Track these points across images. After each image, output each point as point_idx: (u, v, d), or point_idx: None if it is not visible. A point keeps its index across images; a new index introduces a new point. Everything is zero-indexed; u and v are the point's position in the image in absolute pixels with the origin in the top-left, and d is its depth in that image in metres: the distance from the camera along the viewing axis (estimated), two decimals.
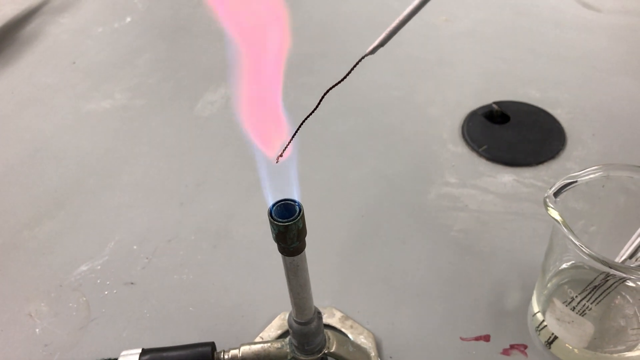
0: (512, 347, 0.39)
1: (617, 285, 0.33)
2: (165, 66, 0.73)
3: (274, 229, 0.25)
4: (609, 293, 0.33)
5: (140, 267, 0.47)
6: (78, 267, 0.47)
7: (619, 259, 0.35)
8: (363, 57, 0.23)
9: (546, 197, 0.33)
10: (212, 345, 0.37)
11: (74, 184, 0.56)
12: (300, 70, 0.68)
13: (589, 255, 0.30)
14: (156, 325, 0.42)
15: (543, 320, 0.38)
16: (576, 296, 0.34)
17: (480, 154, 0.55)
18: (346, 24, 0.79)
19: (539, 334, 0.39)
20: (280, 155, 0.24)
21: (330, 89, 0.23)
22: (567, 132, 0.56)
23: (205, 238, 0.49)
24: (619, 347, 0.35)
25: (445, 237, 0.47)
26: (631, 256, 0.35)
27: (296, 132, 0.24)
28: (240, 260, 0.47)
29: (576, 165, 0.53)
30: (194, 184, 0.55)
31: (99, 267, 0.47)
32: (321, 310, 0.37)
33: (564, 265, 0.39)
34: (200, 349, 0.36)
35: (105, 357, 0.40)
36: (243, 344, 0.36)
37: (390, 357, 0.39)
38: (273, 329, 0.41)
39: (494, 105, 0.60)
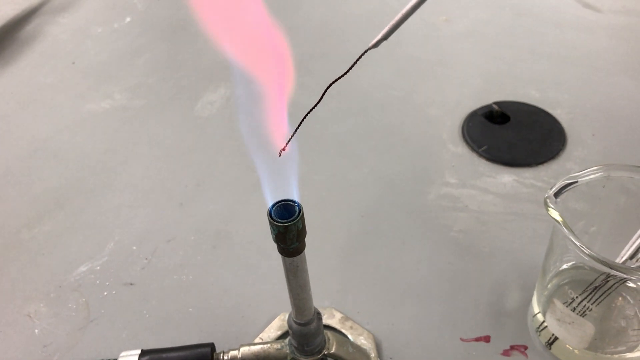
0: (512, 347, 0.39)
1: (617, 286, 0.33)
2: (164, 66, 0.73)
3: (274, 230, 0.25)
4: (609, 294, 0.33)
5: (140, 268, 0.47)
6: (77, 267, 0.47)
7: (620, 260, 0.35)
8: (366, 51, 0.23)
9: (546, 197, 0.33)
10: (211, 346, 0.37)
11: (73, 184, 0.56)
12: (300, 70, 0.67)
13: (589, 255, 0.30)
14: (155, 326, 0.42)
15: (543, 321, 0.38)
16: (577, 297, 0.34)
17: (480, 154, 0.55)
18: (346, 24, 0.79)
19: (540, 335, 0.39)
20: (283, 149, 0.24)
21: (334, 82, 0.23)
22: (567, 132, 0.56)
23: (205, 238, 0.49)
24: (620, 348, 0.35)
25: (445, 238, 0.47)
26: (632, 257, 0.34)
27: (299, 126, 0.24)
28: (239, 260, 0.47)
29: (576, 165, 0.53)
30: (194, 184, 0.55)
31: (98, 267, 0.47)
32: (321, 311, 0.37)
33: (565, 266, 0.39)
34: (199, 350, 0.36)
35: (105, 358, 0.40)
36: (242, 345, 0.35)
37: (390, 358, 0.39)
38: (273, 330, 0.40)
39: (494, 106, 0.60)
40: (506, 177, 0.52)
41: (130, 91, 0.68)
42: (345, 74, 0.23)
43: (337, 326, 0.40)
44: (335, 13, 0.82)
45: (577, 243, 0.30)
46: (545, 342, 0.38)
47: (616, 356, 0.35)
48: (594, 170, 0.35)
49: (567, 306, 0.35)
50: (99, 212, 0.53)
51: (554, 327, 0.37)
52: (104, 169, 0.57)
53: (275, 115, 0.24)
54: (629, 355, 0.35)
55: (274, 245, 0.26)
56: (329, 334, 0.35)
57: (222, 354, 0.36)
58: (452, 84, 0.65)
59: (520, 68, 0.66)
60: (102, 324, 0.43)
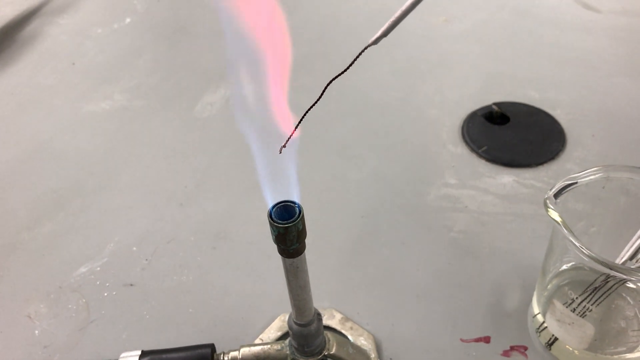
0: (512, 348, 0.39)
1: (617, 287, 0.33)
2: (164, 67, 0.73)
3: (274, 231, 0.25)
4: (609, 294, 0.33)
5: (140, 269, 0.47)
6: (77, 268, 0.47)
7: (620, 261, 0.35)
8: (367, 47, 0.23)
9: (546, 198, 0.33)
10: (211, 347, 0.37)
11: (73, 185, 0.56)
12: (300, 70, 0.68)
13: (589, 256, 0.30)
14: (156, 326, 0.42)
15: (543, 322, 0.38)
16: (576, 297, 0.34)
17: (480, 155, 0.55)
18: (345, 24, 0.79)
19: (539, 336, 0.39)
20: (284, 146, 0.24)
21: (335, 78, 0.23)
22: (567, 132, 0.56)
23: (205, 239, 0.49)
24: (620, 349, 0.35)
25: (445, 238, 0.47)
26: (631, 257, 0.34)
27: (300, 121, 0.24)
28: (240, 261, 0.47)
29: (576, 166, 0.53)
30: (194, 185, 0.55)
31: (98, 268, 0.47)
32: (321, 311, 0.37)
33: (564, 267, 0.39)
34: (199, 351, 0.36)
35: (105, 359, 0.40)
36: (243, 346, 0.36)
37: (390, 359, 0.39)
38: (273, 331, 0.40)
39: (494, 106, 0.60)
40: (506, 178, 0.52)
41: (130, 92, 0.68)
42: (345, 70, 0.23)
43: (337, 327, 0.40)
44: (335, 13, 0.82)
45: (577, 244, 0.31)
46: (545, 343, 0.38)
47: (616, 357, 0.35)
48: (593, 171, 0.35)
49: (567, 307, 0.35)
50: (99, 212, 0.53)
51: (553, 327, 0.37)
52: (104, 170, 0.57)
53: (275, 86, 0.23)
54: (628, 356, 0.35)
55: (274, 246, 0.26)
56: (329, 334, 0.35)
57: (222, 355, 0.36)
58: (452, 84, 0.65)
59: (520, 68, 0.66)
60: (102, 325, 0.43)
